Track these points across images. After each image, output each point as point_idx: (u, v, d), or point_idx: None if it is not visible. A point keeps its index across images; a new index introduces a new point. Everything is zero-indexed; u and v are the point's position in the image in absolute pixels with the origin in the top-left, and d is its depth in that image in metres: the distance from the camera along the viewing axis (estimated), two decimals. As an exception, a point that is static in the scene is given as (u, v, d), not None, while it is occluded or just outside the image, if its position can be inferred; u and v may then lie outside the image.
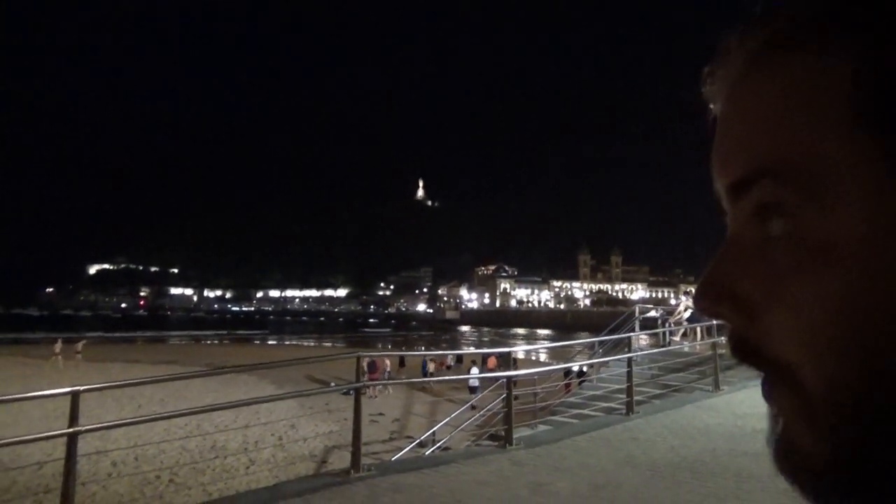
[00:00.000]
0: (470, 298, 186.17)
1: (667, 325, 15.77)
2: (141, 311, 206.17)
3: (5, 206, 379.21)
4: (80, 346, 32.69)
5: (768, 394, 0.34)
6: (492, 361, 22.11)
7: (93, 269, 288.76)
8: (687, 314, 15.87)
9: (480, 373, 18.98)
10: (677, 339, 15.12)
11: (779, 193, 0.31)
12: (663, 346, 14.01)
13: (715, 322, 12.60)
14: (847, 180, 0.29)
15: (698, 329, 14.57)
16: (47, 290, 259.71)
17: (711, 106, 0.39)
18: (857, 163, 0.28)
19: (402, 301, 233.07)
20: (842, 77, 0.29)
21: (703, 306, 0.36)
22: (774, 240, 0.32)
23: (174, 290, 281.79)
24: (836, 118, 0.29)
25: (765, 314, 0.33)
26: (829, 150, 0.29)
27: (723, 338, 11.57)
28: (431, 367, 25.15)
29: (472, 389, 18.63)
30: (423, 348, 50.54)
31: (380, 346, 55.33)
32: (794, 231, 0.31)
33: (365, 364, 9.65)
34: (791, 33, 0.32)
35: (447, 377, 22.47)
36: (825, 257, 0.29)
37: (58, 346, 30.16)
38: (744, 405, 8.69)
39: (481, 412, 10.58)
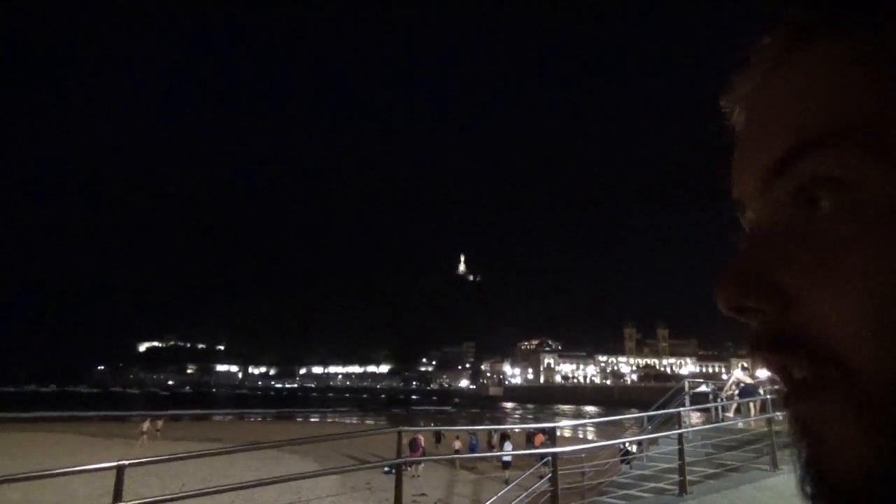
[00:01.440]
0: (513, 374, 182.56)
1: (719, 400, 15.18)
2: (187, 389, 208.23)
3: (63, 288, 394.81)
4: (159, 424, 33.10)
5: (801, 397, 0.32)
6: (539, 438, 21.51)
7: (143, 347, 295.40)
8: (736, 388, 15.27)
9: (526, 449, 18.52)
10: (730, 414, 14.51)
11: (839, 161, 0.30)
12: (715, 423, 13.45)
13: (769, 397, 12.19)
14: None
15: (751, 404, 13.98)
16: (99, 367, 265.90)
17: (733, 114, 0.39)
18: None
19: (444, 377, 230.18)
20: None
21: (731, 296, 0.34)
22: (824, 217, 0.30)
23: (219, 367, 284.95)
24: None
25: (807, 302, 0.31)
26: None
27: (779, 413, 11.17)
28: (458, 445, 24.23)
29: (506, 465, 18.42)
30: (466, 425, 49.39)
31: (422, 423, 54.36)
32: (854, 201, 0.29)
33: (406, 441, 9.54)
34: (838, 14, 0.32)
35: (484, 454, 21.98)
36: (893, 224, 0.28)
37: (145, 425, 30.76)
38: (805, 485, 8.19)
39: (527, 491, 10.23)
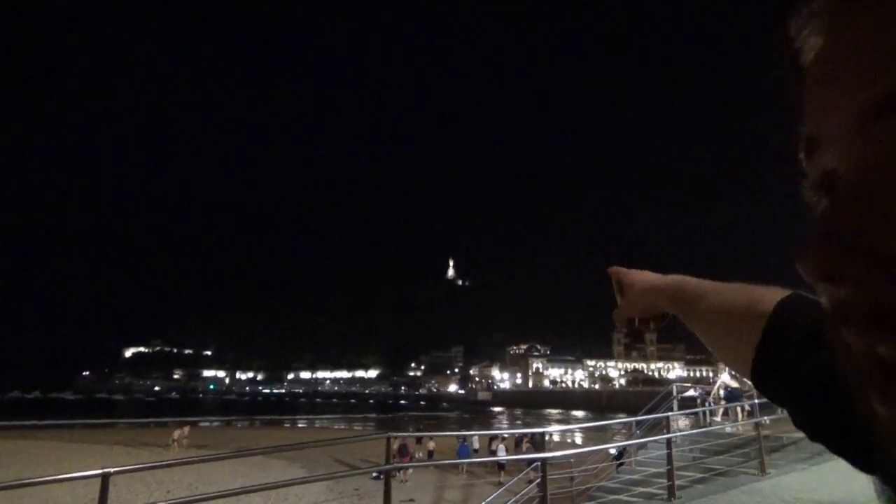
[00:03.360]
0: (502, 378, 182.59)
1: (707, 404, 15.26)
2: (174, 395, 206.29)
3: (46, 293, 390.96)
4: (187, 430, 32.60)
5: None
6: (525, 444, 21.54)
7: (129, 353, 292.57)
8: (723, 392, 15.37)
9: (511, 453, 18.65)
10: (718, 419, 14.59)
11: None
12: (703, 427, 13.51)
13: (756, 401, 12.25)
14: None
15: (738, 408, 14.06)
16: (84, 373, 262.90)
17: (800, 36, 0.31)
18: None
19: (433, 382, 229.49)
20: None
21: (822, 261, 0.26)
22: None
23: (207, 373, 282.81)
24: None
25: None
26: None
27: (766, 418, 11.22)
28: (432, 445, 24.57)
29: (501, 467, 18.62)
30: (456, 429, 49.28)
31: (411, 428, 54.20)
32: None
33: (395, 446, 9.51)
34: None
35: (477, 459, 22.00)
36: None
37: (177, 433, 30.39)
38: (793, 490, 8.25)
39: (515, 497, 10.21)
